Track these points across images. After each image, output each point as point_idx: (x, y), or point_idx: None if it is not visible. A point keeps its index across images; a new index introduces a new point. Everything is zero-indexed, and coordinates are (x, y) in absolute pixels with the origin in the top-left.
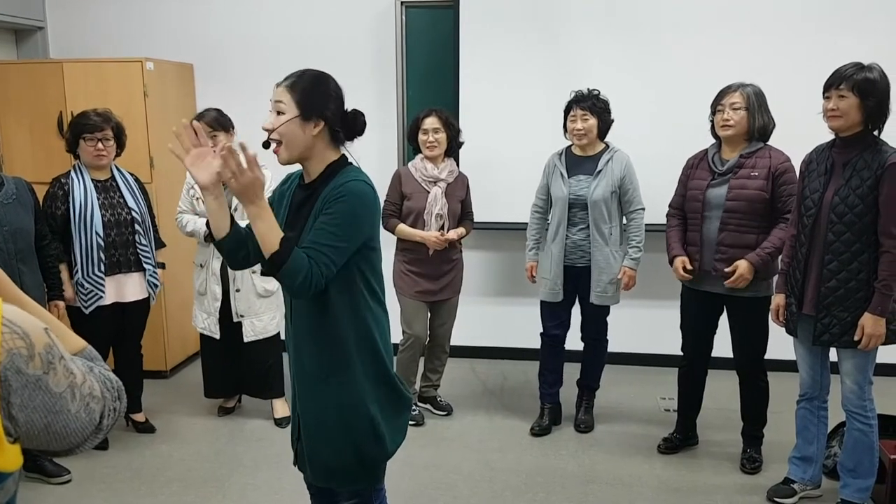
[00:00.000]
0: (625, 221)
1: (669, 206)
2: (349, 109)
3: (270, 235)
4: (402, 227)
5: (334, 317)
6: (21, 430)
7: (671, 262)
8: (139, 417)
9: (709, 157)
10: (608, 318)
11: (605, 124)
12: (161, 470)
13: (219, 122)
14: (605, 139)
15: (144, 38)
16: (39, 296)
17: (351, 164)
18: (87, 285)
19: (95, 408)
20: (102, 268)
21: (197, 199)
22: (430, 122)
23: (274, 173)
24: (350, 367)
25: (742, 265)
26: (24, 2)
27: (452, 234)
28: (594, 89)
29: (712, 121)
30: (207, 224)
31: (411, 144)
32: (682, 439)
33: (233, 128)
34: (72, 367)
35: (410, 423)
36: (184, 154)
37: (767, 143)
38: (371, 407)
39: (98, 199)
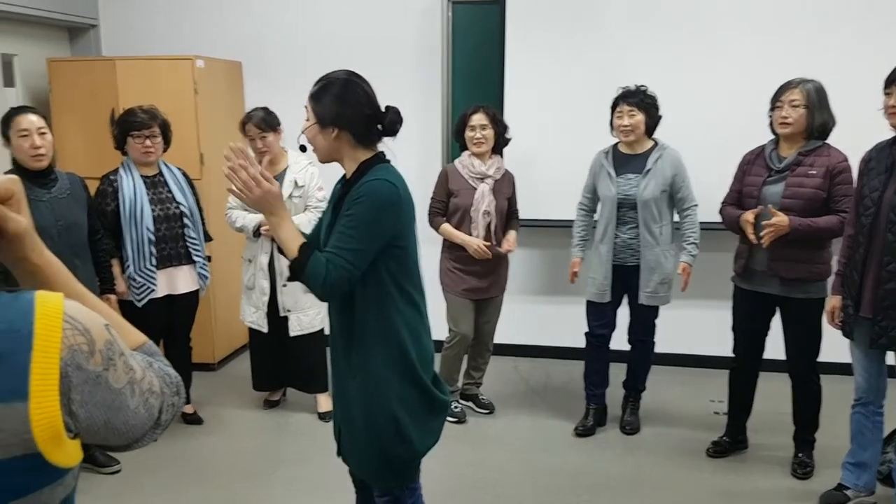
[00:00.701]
0: (676, 219)
1: (723, 202)
2: (385, 107)
3: (291, 243)
4: (447, 228)
5: (360, 317)
6: (81, 426)
7: (739, 225)
8: (188, 409)
9: (766, 154)
10: (656, 320)
11: (652, 120)
12: (208, 461)
13: (266, 122)
14: (653, 136)
15: (194, 35)
16: (93, 290)
17: (383, 161)
18: (139, 279)
19: (154, 403)
20: (154, 261)
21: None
22: (478, 119)
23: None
24: (374, 366)
25: (783, 218)
26: (77, 0)
27: (506, 246)
28: (642, 85)
29: (771, 117)
30: (257, 231)
31: (457, 141)
32: (731, 443)
33: (279, 126)
34: (131, 362)
35: (452, 420)
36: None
37: (826, 141)
38: (397, 408)
39: (147, 194)
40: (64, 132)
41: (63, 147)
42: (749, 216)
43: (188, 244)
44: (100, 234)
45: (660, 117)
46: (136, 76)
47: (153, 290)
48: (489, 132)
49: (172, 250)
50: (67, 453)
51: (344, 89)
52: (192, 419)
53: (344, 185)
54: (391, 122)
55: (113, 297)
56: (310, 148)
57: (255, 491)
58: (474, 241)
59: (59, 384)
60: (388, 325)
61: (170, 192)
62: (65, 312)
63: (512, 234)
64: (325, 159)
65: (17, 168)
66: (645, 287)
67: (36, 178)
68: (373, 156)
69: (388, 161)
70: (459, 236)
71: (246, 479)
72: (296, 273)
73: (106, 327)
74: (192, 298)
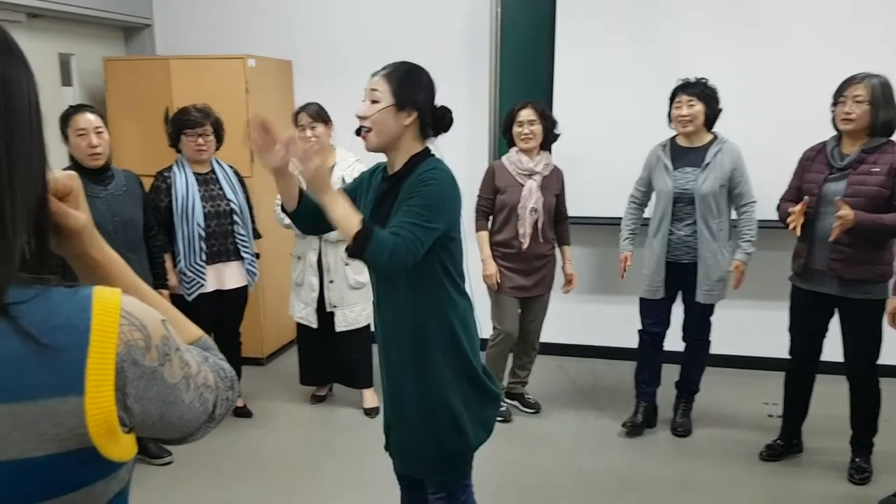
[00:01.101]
0: (733, 216)
1: (781, 199)
2: (438, 105)
3: (349, 219)
4: (483, 237)
5: (415, 307)
6: (136, 421)
7: (785, 218)
8: (238, 402)
9: (827, 151)
10: (711, 317)
11: (712, 112)
12: (257, 454)
13: (319, 115)
14: (713, 130)
15: (246, 35)
16: (147, 284)
17: (433, 156)
18: (189, 274)
19: (209, 397)
20: (204, 257)
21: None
22: (526, 114)
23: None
24: (432, 359)
25: (849, 212)
26: (132, 0)
27: (569, 281)
28: (702, 77)
29: (833, 112)
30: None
31: (505, 137)
32: (785, 446)
33: (331, 122)
34: (187, 357)
35: (497, 419)
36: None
37: (891, 138)
38: (453, 400)
39: (199, 191)
40: (120, 130)
41: (119, 145)
42: (796, 207)
43: (237, 241)
44: (154, 230)
45: (720, 110)
46: (189, 75)
47: (203, 285)
48: (537, 128)
49: (222, 246)
50: (122, 447)
51: (424, 75)
52: (242, 412)
53: (387, 180)
54: (450, 119)
55: (166, 292)
56: (352, 140)
57: (301, 484)
58: (489, 269)
59: (115, 379)
60: (443, 317)
61: (221, 189)
62: (122, 308)
63: (568, 253)
64: (381, 146)
65: (75, 165)
66: (702, 284)
67: (93, 175)
68: (423, 149)
69: (434, 156)
70: (485, 253)
71: (293, 472)
72: (360, 245)
73: (162, 323)
74: (240, 294)
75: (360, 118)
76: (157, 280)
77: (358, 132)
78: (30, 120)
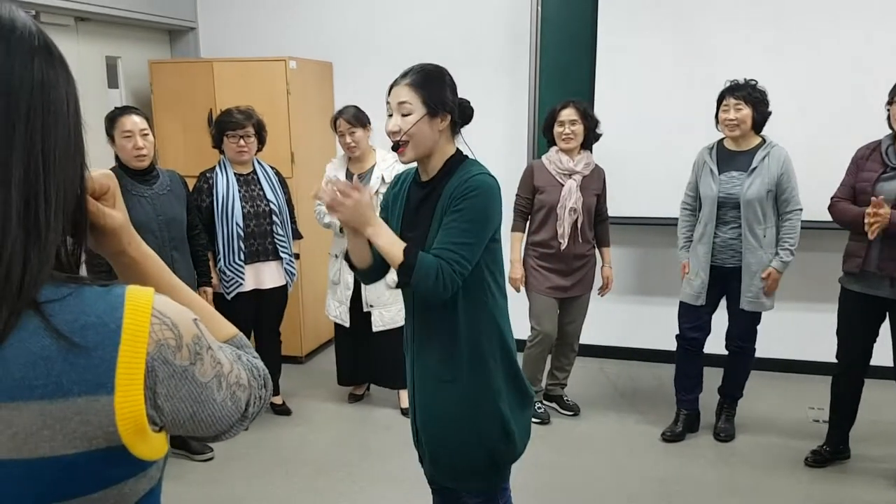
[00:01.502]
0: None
1: (834, 197)
2: (459, 99)
3: (394, 248)
4: (516, 237)
5: (463, 313)
6: (167, 419)
7: (852, 221)
8: (277, 400)
9: (882, 149)
10: (757, 326)
11: (761, 116)
12: (296, 452)
13: (357, 119)
14: (761, 133)
15: (287, 37)
16: (191, 282)
17: (467, 157)
18: (228, 273)
19: (241, 396)
20: (242, 256)
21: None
22: (567, 114)
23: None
24: (484, 366)
25: (887, 211)
26: (177, 4)
27: (606, 285)
28: (751, 79)
29: (889, 111)
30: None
31: (545, 137)
32: (832, 452)
33: (369, 124)
34: (219, 356)
35: (535, 420)
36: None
37: None
38: (502, 406)
39: (239, 191)
40: (165, 131)
41: (164, 146)
42: (874, 210)
43: (276, 241)
44: (197, 229)
45: (769, 113)
46: (232, 77)
47: (241, 284)
48: (578, 128)
49: (261, 246)
50: (152, 446)
51: (446, 75)
52: (281, 410)
53: (423, 185)
54: (471, 110)
55: (209, 290)
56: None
57: (338, 483)
58: (516, 272)
59: (145, 378)
60: (490, 321)
61: (261, 189)
62: (153, 307)
63: (607, 255)
64: (420, 156)
65: (121, 166)
66: (746, 292)
67: (138, 175)
68: (456, 151)
69: (470, 157)
70: (515, 255)
71: (330, 470)
72: (405, 276)
73: (194, 322)
74: (279, 294)
75: (393, 134)
76: (202, 278)
77: (395, 147)
78: (68, 121)
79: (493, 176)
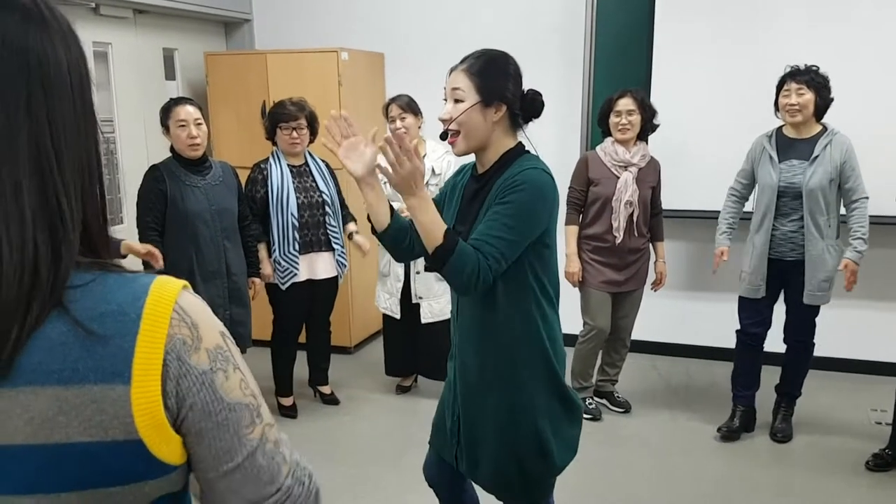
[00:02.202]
0: (842, 212)
1: None
2: (527, 90)
3: (434, 227)
4: (571, 231)
5: (502, 318)
6: (179, 427)
7: None
8: (326, 390)
9: None
10: (816, 318)
11: (823, 101)
12: (343, 442)
13: (409, 106)
14: (822, 120)
15: (339, 28)
16: (241, 271)
17: (528, 151)
18: (283, 263)
19: (280, 463)
20: (297, 247)
21: (384, 183)
22: (624, 104)
23: (452, 160)
24: (517, 375)
25: None
26: None
27: (659, 281)
28: (813, 65)
29: None
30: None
31: (601, 127)
32: (894, 456)
33: (421, 114)
34: (253, 386)
35: (586, 416)
36: (336, 146)
37: None
38: (539, 419)
39: (293, 182)
40: (219, 123)
41: (218, 137)
42: None
43: (328, 231)
44: (249, 220)
45: (831, 99)
46: (285, 69)
47: (296, 274)
48: (635, 118)
49: (314, 237)
50: (172, 448)
51: (509, 61)
52: (330, 399)
53: (478, 179)
54: (540, 103)
55: (258, 281)
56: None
57: (385, 474)
58: (573, 266)
59: (162, 372)
60: (530, 328)
61: (314, 181)
62: (177, 302)
63: (661, 249)
64: (471, 149)
65: (175, 156)
66: (808, 285)
67: (191, 165)
68: (517, 144)
69: (531, 152)
70: (571, 248)
71: (377, 461)
72: (440, 260)
73: (222, 335)
74: (331, 284)
75: (444, 121)
76: (251, 268)
77: (444, 136)
78: (72, 98)
79: (549, 173)
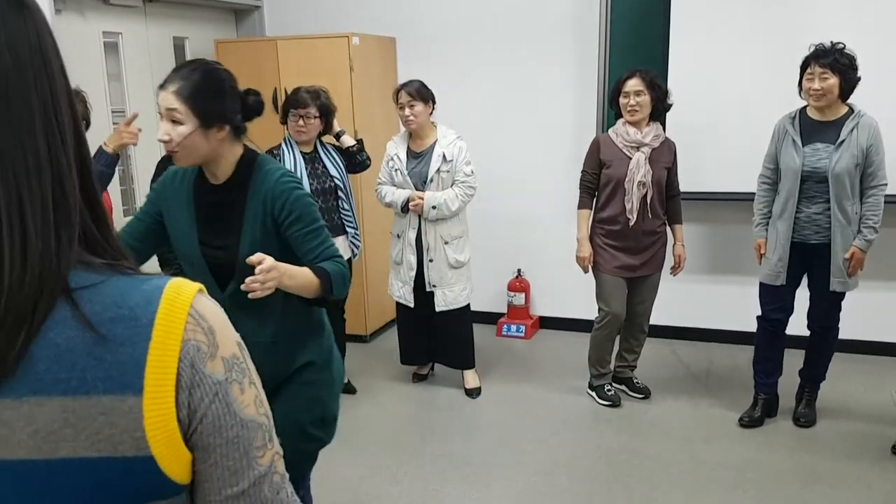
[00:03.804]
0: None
1: None
2: (246, 96)
3: (307, 280)
4: (583, 215)
5: (298, 306)
6: (188, 442)
7: None
8: None
9: None
10: (842, 302)
11: (848, 83)
12: (361, 431)
13: (419, 93)
14: (849, 101)
15: (350, 13)
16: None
17: (257, 153)
18: None
19: (284, 498)
20: None
21: (396, 170)
22: (633, 84)
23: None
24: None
25: None
26: None
27: (678, 263)
28: (838, 43)
29: None
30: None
31: (612, 108)
32: None
33: (431, 100)
34: (268, 408)
35: (605, 403)
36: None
37: None
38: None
39: (306, 169)
40: None
41: None
42: None
43: (342, 215)
44: None
45: (858, 79)
46: (296, 55)
47: None
48: (644, 98)
49: (329, 222)
50: (182, 466)
51: (223, 79)
52: (347, 388)
53: (216, 190)
54: (261, 104)
55: None
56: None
57: (402, 463)
58: (584, 250)
59: (177, 382)
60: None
61: (325, 167)
62: (192, 306)
63: (679, 232)
64: (197, 163)
65: None
66: (837, 272)
67: None
68: (244, 150)
69: (259, 153)
70: (582, 232)
71: (394, 449)
72: (328, 294)
73: (238, 344)
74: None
75: (164, 142)
76: None
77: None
78: (66, 89)
79: (291, 173)
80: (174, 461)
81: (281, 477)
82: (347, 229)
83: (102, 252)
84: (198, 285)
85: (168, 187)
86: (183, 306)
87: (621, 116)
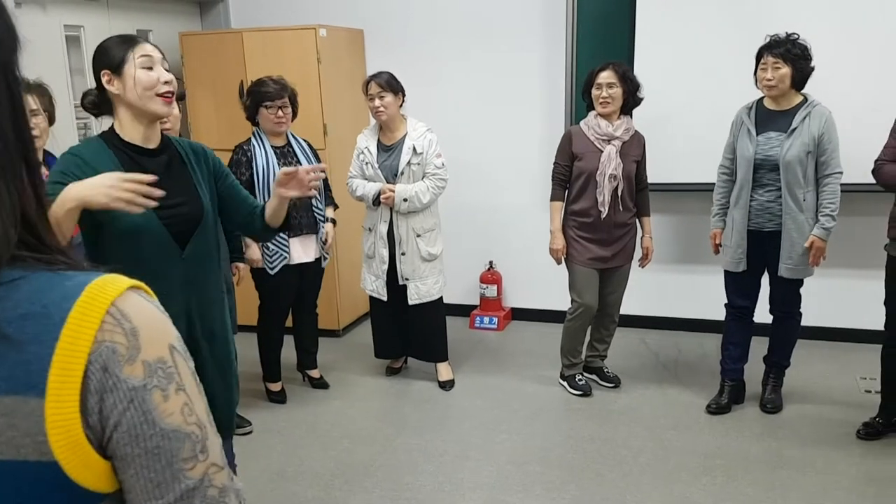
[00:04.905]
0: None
1: (879, 159)
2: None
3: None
4: (556, 207)
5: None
6: (104, 450)
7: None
8: (315, 374)
9: None
10: (801, 290)
11: (800, 73)
12: (333, 426)
13: (388, 84)
14: (803, 91)
15: (317, 5)
16: (224, 256)
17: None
18: (272, 247)
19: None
20: (286, 230)
21: (366, 164)
22: (605, 77)
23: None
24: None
25: None
26: None
27: (646, 256)
28: (793, 33)
29: None
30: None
31: (584, 101)
32: (885, 424)
33: (402, 92)
34: (201, 417)
35: (576, 392)
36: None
37: None
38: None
39: (278, 164)
40: (197, 105)
41: (196, 119)
42: None
43: (315, 213)
44: None
45: (811, 69)
46: (262, 47)
47: (286, 258)
48: (616, 91)
49: (303, 219)
50: (96, 473)
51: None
52: (319, 384)
53: (155, 154)
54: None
55: (242, 265)
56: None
57: (377, 456)
58: (557, 242)
59: (82, 385)
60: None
61: (298, 162)
62: (114, 303)
63: (647, 224)
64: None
65: None
66: (786, 259)
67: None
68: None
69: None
70: (555, 224)
71: (368, 443)
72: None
73: (171, 349)
74: (318, 266)
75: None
76: (234, 254)
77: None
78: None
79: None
80: (82, 468)
81: (219, 491)
82: (319, 228)
83: (36, 247)
84: (132, 282)
85: (81, 176)
86: (102, 304)
87: (593, 108)
